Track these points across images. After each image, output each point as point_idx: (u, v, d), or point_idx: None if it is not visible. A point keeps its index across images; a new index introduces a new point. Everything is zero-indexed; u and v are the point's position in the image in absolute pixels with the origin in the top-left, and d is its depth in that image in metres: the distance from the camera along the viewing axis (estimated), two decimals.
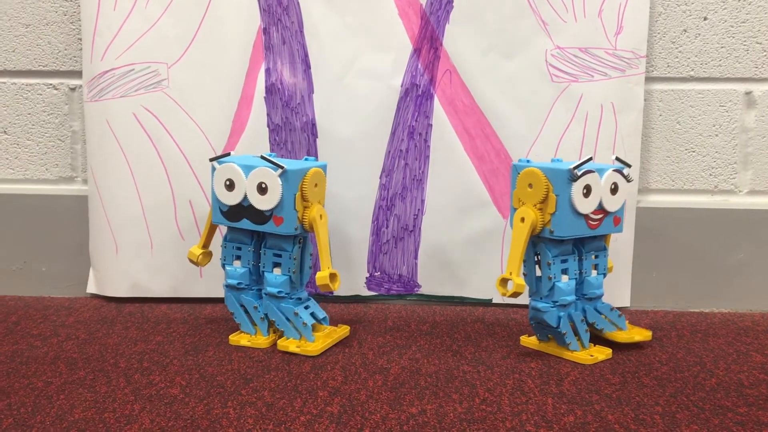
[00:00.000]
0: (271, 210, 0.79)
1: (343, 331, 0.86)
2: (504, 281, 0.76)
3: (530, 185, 0.76)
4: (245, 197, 0.80)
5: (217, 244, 0.88)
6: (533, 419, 0.64)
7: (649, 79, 0.97)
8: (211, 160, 0.82)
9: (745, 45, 0.97)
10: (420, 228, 0.98)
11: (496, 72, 0.94)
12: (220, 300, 0.99)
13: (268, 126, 0.96)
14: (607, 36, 0.93)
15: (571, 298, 0.79)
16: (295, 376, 0.74)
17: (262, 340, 0.83)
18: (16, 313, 0.95)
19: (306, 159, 0.84)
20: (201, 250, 0.87)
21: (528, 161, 0.79)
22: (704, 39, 0.97)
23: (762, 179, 0.99)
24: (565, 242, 0.78)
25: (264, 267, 0.83)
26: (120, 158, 0.97)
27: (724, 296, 0.99)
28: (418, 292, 1.00)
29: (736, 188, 0.99)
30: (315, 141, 0.96)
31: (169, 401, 0.67)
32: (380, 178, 0.97)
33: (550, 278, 0.78)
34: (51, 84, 1.02)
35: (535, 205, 0.76)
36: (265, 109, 0.96)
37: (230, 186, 0.80)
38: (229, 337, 0.84)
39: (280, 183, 0.77)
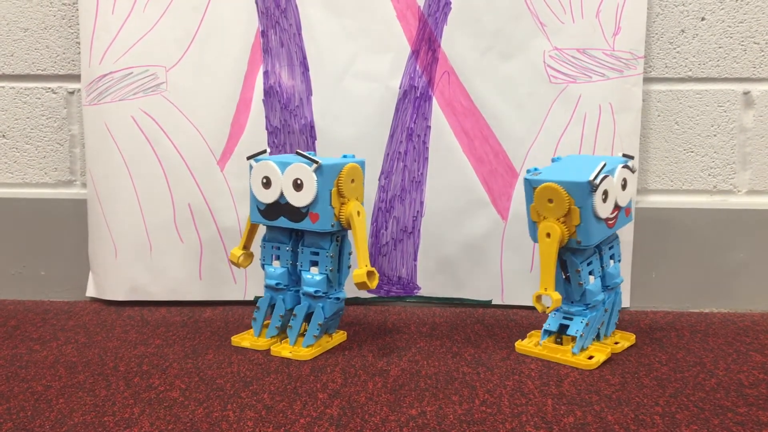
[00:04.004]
0: (307, 206, 0.78)
1: (339, 338, 0.85)
2: (539, 297, 0.76)
3: (550, 200, 0.75)
4: (282, 194, 0.79)
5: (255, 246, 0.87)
6: (533, 420, 0.64)
7: (647, 80, 0.97)
8: (249, 158, 0.81)
9: (742, 45, 0.97)
10: (419, 230, 0.98)
11: (495, 73, 0.94)
12: (220, 303, 1.00)
13: (267, 128, 0.96)
14: (605, 37, 0.93)
15: (601, 297, 0.80)
16: (294, 379, 0.74)
17: (262, 342, 0.83)
18: (16, 317, 0.95)
19: (344, 156, 0.83)
20: (242, 251, 0.85)
21: (535, 169, 0.78)
22: (702, 39, 0.97)
23: (761, 179, 0.99)
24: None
25: (302, 266, 0.81)
26: (119, 162, 0.97)
27: (723, 296, 0.99)
28: (418, 294, 1.00)
29: (734, 188, 0.99)
30: (314, 143, 0.96)
31: (169, 404, 0.67)
32: (379, 179, 0.97)
33: (580, 284, 0.78)
34: (49, 88, 1.02)
35: (558, 219, 0.75)
36: (263, 111, 0.96)
37: (267, 183, 0.79)
38: (232, 338, 0.84)
39: (315, 178, 0.77)
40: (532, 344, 0.82)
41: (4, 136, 1.03)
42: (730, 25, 0.96)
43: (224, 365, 0.77)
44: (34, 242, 1.03)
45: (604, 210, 0.76)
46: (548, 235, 0.75)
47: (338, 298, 0.82)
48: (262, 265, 0.84)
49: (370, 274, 0.77)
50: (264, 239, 0.84)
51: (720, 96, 0.98)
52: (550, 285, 0.75)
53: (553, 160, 0.82)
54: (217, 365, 0.77)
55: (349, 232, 0.82)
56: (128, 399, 0.69)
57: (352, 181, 0.80)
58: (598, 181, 0.74)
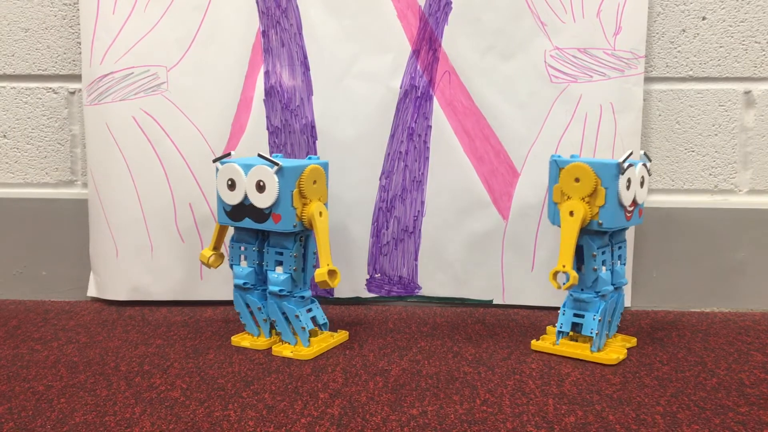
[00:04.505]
0: (270, 207, 0.79)
1: (341, 336, 0.85)
2: (556, 274, 0.77)
3: (577, 179, 0.77)
4: (246, 196, 0.80)
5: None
6: (534, 420, 0.64)
7: (648, 79, 0.97)
8: (214, 161, 0.83)
9: (743, 44, 0.97)
10: (420, 229, 0.98)
11: (495, 73, 0.94)
12: (221, 303, 1.00)
13: (268, 128, 0.96)
14: (606, 36, 0.93)
15: (610, 288, 0.81)
16: (295, 379, 0.74)
17: (262, 342, 0.83)
18: (17, 317, 0.95)
19: (309, 158, 0.84)
20: (212, 252, 0.87)
21: (559, 156, 0.80)
22: (703, 39, 0.97)
23: (762, 178, 0.99)
24: (605, 234, 0.80)
25: (267, 266, 0.83)
26: (120, 162, 0.97)
27: (724, 296, 0.98)
28: (419, 294, 1.00)
29: (735, 188, 0.99)
30: (314, 143, 0.96)
31: (170, 404, 0.67)
32: (380, 179, 0.97)
33: (595, 269, 0.79)
34: (50, 88, 1.02)
35: (582, 199, 0.76)
36: (264, 111, 0.96)
37: (232, 185, 0.81)
38: (232, 338, 0.84)
39: (277, 180, 0.78)
40: (547, 344, 0.82)
41: (5, 136, 1.03)
42: (731, 24, 0.96)
43: (225, 365, 0.77)
44: (35, 242, 1.03)
45: (627, 197, 0.77)
46: (571, 213, 0.76)
47: (303, 297, 0.83)
48: (231, 265, 0.85)
49: (331, 273, 0.79)
50: (232, 239, 0.85)
51: (721, 95, 0.98)
52: (568, 262, 0.76)
53: (571, 156, 0.83)
54: (218, 365, 0.77)
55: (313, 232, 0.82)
56: (129, 399, 0.69)
57: (314, 182, 0.81)
58: (626, 164, 0.76)
